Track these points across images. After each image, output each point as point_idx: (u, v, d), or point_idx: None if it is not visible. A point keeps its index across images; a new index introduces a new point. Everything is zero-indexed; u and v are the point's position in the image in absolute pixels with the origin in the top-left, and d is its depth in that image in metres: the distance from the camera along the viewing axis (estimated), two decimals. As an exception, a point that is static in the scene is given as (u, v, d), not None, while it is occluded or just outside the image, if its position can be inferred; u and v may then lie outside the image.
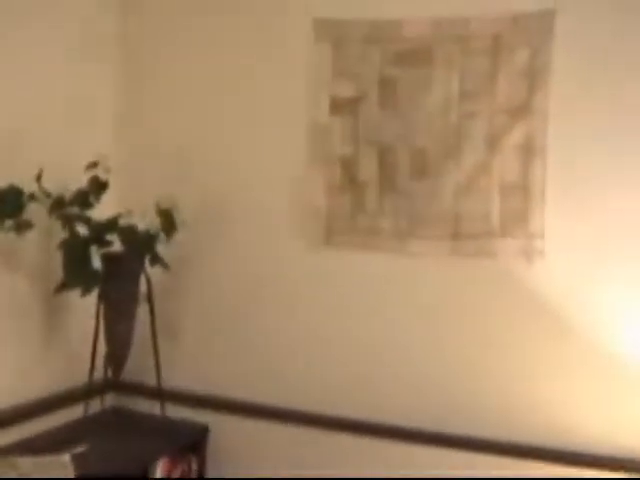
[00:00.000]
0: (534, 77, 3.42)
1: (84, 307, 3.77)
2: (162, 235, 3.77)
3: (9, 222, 3.41)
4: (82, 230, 3.62)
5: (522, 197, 3.45)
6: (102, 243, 3.67)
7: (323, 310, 3.82)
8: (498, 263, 3.50)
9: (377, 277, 3.72)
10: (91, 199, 3.65)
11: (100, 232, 3.66)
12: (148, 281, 3.82)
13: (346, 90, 3.70)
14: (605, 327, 3.36)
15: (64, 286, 3.61)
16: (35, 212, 3.48)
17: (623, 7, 3.33)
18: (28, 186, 3.43)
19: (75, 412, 3.93)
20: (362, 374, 3.78)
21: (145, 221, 3.73)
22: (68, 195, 3.60)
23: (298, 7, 3.81)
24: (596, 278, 3.38)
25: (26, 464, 3.35)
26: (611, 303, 3.35)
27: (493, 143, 3.48)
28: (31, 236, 3.54)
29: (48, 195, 3.52)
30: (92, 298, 3.68)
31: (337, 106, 3.73)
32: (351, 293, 3.77)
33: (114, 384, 4.08)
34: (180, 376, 4.11)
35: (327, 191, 3.76)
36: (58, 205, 3.57)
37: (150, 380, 4.00)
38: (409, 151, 3.59)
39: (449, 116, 3.54)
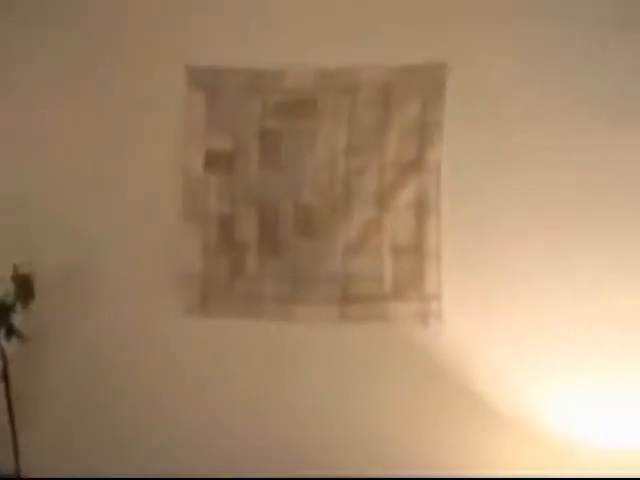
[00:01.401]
0: (426, 131, 3.28)
1: None
2: (18, 304, 3.37)
3: None
4: None
5: (416, 257, 3.28)
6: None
7: (199, 384, 3.48)
8: (392, 327, 3.32)
9: (259, 347, 3.43)
10: None
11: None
12: (4, 357, 3.42)
13: (222, 143, 3.44)
14: (500, 387, 3.27)
15: None
16: None
17: (517, 59, 3.26)
18: None
19: None
20: (241, 448, 3.49)
21: (-1, 289, 3.41)
22: None
23: (171, 53, 3.53)
24: (492, 337, 3.25)
25: None
26: (504, 363, 3.25)
27: (384, 200, 3.30)
28: None
29: None
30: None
31: (212, 161, 3.45)
32: (230, 365, 3.46)
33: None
34: (42, 464, 3.59)
35: (203, 253, 3.45)
36: None
37: (8, 468, 3.52)
38: (293, 209, 3.36)
39: (336, 171, 3.33)
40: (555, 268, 3.23)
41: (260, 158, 3.39)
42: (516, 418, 3.25)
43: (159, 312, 3.52)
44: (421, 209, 3.27)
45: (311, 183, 3.35)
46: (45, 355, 3.64)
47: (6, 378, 3.44)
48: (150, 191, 3.54)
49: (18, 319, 3.39)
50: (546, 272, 3.24)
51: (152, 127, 3.53)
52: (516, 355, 3.26)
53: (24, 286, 3.38)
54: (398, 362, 3.31)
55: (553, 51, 3.26)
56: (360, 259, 3.31)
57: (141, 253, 3.55)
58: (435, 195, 3.26)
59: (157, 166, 3.53)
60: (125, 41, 3.61)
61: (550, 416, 3.25)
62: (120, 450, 3.57)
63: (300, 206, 3.35)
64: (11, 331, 3.40)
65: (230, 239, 3.43)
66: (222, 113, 3.44)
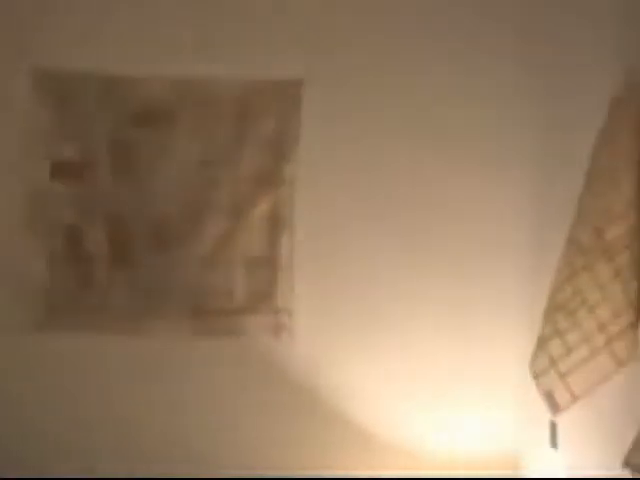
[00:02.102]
0: (282, 146, 3.29)
1: None
2: None
3: None
4: None
5: (269, 271, 3.30)
6: None
7: (42, 401, 3.32)
8: (244, 341, 3.31)
9: (107, 362, 3.31)
10: None
11: None
12: None
13: (71, 153, 3.30)
14: (351, 399, 3.37)
15: None
16: None
17: (373, 75, 3.31)
18: None
19: None
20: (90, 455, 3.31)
21: None
22: None
23: (17, 54, 3.30)
24: (343, 349, 3.31)
25: None
26: (356, 376, 3.33)
27: (238, 214, 3.29)
28: None
29: None
30: None
31: (60, 170, 3.31)
32: (76, 380, 3.31)
33: None
34: None
35: (48, 264, 3.30)
36: None
37: None
38: (146, 221, 3.28)
39: (191, 184, 3.28)
40: (407, 280, 3.32)
41: (112, 169, 3.29)
42: (363, 424, 3.33)
43: (3, 327, 3.31)
44: (275, 223, 3.29)
45: (165, 195, 3.28)
46: None
47: None
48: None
49: None
50: (398, 286, 3.32)
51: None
52: (364, 365, 3.32)
53: None
54: (250, 375, 3.30)
55: (408, 67, 3.32)
56: (213, 272, 3.29)
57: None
58: (289, 209, 3.29)
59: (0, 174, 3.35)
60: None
61: (395, 422, 3.35)
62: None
63: (153, 218, 3.28)
64: None
65: (78, 251, 3.31)
66: (71, 120, 3.30)
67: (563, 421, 2.48)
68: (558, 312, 2.45)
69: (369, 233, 3.31)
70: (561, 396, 2.42)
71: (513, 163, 3.28)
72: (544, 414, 2.52)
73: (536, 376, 2.51)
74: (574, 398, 2.40)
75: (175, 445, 3.32)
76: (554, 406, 2.45)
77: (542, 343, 2.50)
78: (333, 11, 3.29)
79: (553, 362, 2.45)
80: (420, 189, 3.31)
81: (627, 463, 1.93)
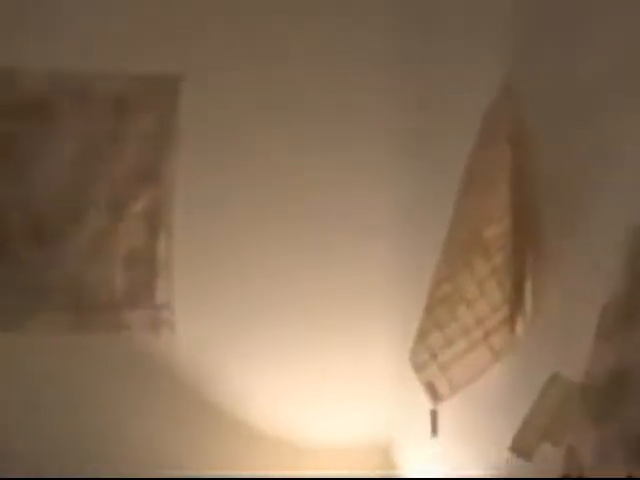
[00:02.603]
0: (161, 143, 3.29)
1: None
2: None
3: None
4: None
5: (148, 266, 3.30)
6: None
7: None
8: (126, 336, 3.30)
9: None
10: None
11: None
12: None
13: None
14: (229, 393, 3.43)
15: None
16: None
17: (253, 71, 3.32)
18: None
19: None
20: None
21: None
22: None
23: None
24: (223, 344, 3.36)
25: None
26: (239, 372, 3.39)
27: (117, 210, 3.27)
28: None
29: None
30: None
31: None
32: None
33: None
34: None
35: None
36: None
37: None
38: (24, 216, 3.21)
39: (70, 179, 3.24)
40: (286, 276, 3.39)
41: (-13, 162, 3.29)
42: (240, 418, 3.40)
43: None
44: (154, 218, 3.30)
45: (43, 190, 3.23)
46: None
47: None
48: None
49: None
50: (277, 281, 3.39)
51: None
52: (244, 359, 3.39)
53: None
54: (131, 371, 3.30)
55: (287, 62, 3.35)
56: (93, 268, 3.27)
57: None
58: (168, 206, 3.30)
59: None
60: None
61: (277, 418, 3.43)
62: None
63: (31, 213, 3.22)
64: None
65: (-49, 247, 3.30)
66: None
67: (442, 411, 2.62)
68: (438, 306, 2.57)
69: (249, 227, 3.34)
70: (442, 387, 2.56)
71: (389, 166, 3.36)
72: (422, 406, 2.66)
73: (417, 368, 2.64)
74: (454, 389, 2.55)
75: (53, 443, 3.27)
76: (435, 396, 2.58)
77: (422, 336, 2.62)
78: (212, 7, 3.30)
79: (433, 354, 2.58)
80: (300, 183, 3.36)
81: (513, 448, 2.08)
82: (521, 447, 2.03)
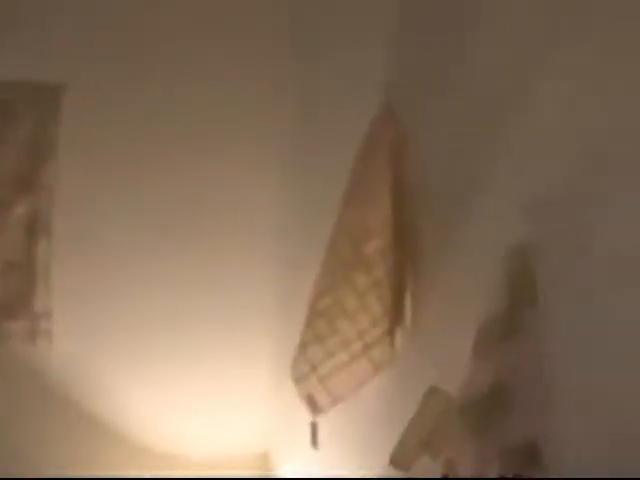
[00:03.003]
0: (39, 150, 3.24)
1: None
2: None
3: None
4: None
5: (26, 275, 3.24)
6: None
7: None
8: (1, 347, 3.24)
9: None
10: None
11: None
12: None
13: None
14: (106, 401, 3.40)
15: None
16: None
17: (131, 80, 3.31)
18: None
19: None
20: None
21: None
22: None
23: None
24: (105, 358, 3.32)
25: None
26: (118, 383, 3.36)
27: (-6, 217, 3.25)
28: None
29: None
30: None
31: None
32: None
33: None
34: None
35: None
36: None
37: None
38: None
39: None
40: (167, 286, 3.37)
41: None
42: (125, 433, 3.38)
43: None
44: (32, 226, 3.24)
45: None
46: None
47: None
48: None
49: None
50: (158, 290, 3.37)
51: None
52: (125, 372, 3.36)
53: None
54: (7, 381, 3.23)
55: (170, 72, 3.34)
56: (-31, 276, 3.24)
57: None
58: (47, 213, 3.25)
59: None
60: None
61: (157, 430, 3.41)
62: None
63: None
64: None
65: None
66: None
67: (323, 424, 2.63)
68: (318, 319, 2.59)
69: (130, 236, 3.32)
70: (321, 399, 2.57)
71: (274, 179, 3.37)
72: (303, 418, 2.68)
73: (297, 380, 2.65)
74: (334, 401, 2.56)
75: None
76: (315, 408, 2.59)
77: (302, 349, 2.63)
78: (99, 19, 3.27)
79: (313, 367, 2.59)
80: (181, 187, 3.35)
81: (392, 461, 2.11)
82: (400, 460, 2.06)
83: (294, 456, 3.26)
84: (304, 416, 2.68)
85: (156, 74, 3.31)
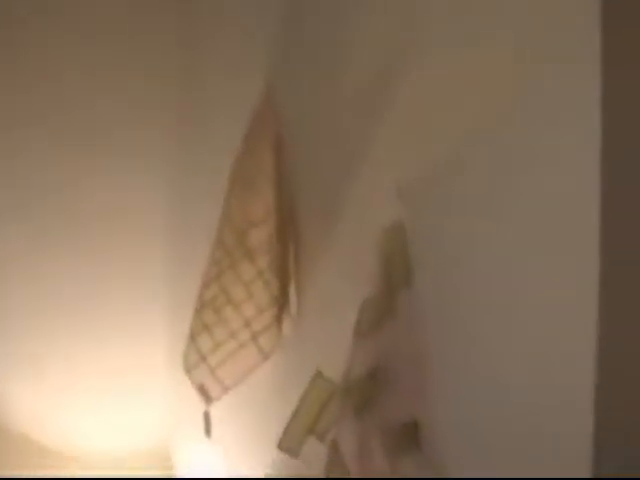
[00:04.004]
0: None
1: None
2: None
3: None
4: None
5: None
6: None
7: None
8: None
9: None
10: None
11: None
12: None
13: None
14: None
15: None
16: None
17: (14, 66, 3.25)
18: None
19: None
20: None
21: None
22: None
23: None
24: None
25: None
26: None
27: None
28: None
29: None
30: None
31: None
32: None
33: None
34: None
35: None
36: None
37: None
38: None
39: None
40: (52, 274, 3.31)
41: None
42: (8, 426, 3.33)
43: None
44: None
45: None
46: None
47: None
48: None
49: None
50: (42, 278, 3.30)
51: None
52: (9, 362, 3.30)
53: None
54: None
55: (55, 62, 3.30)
56: None
57: None
58: None
59: None
60: None
61: (43, 421, 3.36)
62: None
63: None
64: None
65: None
66: None
67: (217, 411, 2.65)
68: (206, 309, 2.61)
69: (10, 224, 3.26)
70: (213, 388, 2.60)
71: (155, 169, 3.35)
72: (197, 407, 2.69)
73: (188, 370, 2.65)
74: (225, 389, 2.58)
75: None
76: (207, 398, 2.61)
77: (192, 339, 2.64)
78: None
79: (203, 357, 2.61)
80: (64, 182, 3.30)
81: (280, 447, 2.14)
82: (287, 445, 2.10)
83: (193, 446, 3.28)
84: (199, 406, 2.72)
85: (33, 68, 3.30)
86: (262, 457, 2.68)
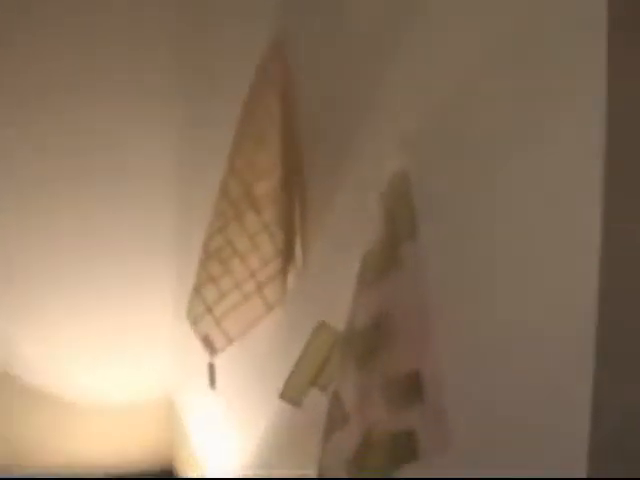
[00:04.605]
0: None
1: None
2: None
3: None
4: None
5: None
6: None
7: None
8: None
9: None
10: None
11: None
12: None
13: None
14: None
15: None
16: None
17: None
18: None
19: None
20: None
21: None
22: None
23: None
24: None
25: None
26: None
27: None
28: None
29: None
30: None
31: None
32: None
33: None
34: None
35: None
36: None
37: None
38: None
39: None
40: (56, 224, 3.34)
41: None
42: (14, 376, 3.35)
43: None
44: None
45: None
46: None
47: None
48: None
49: None
50: (47, 227, 3.33)
51: None
52: (13, 311, 3.33)
53: None
54: None
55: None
56: None
57: None
58: None
59: None
60: None
61: (52, 376, 3.40)
62: None
63: None
64: None
65: None
66: None
67: (221, 363, 2.66)
68: (211, 260, 2.61)
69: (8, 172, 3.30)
70: (217, 339, 2.61)
71: (163, 119, 3.36)
72: (201, 358, 2.71)
73: (193, 322, 2.67)
74: (229, 340, 2.60)
75: None
76: (211, 349, 2.63)
77: (197, 290, 2.65)
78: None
79: (208, 307, 2.62)
80: (68, 122, 3.32)
81: (282, 396, 2.14)
82: (290, 394, 2.11)
83: (197, 399, 3.30)
84: (204, 357, 2.73)
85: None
86: (265, 409, 2.72)
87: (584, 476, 1.40)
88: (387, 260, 1.88)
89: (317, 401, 2.12)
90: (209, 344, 2.63)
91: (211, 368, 2.67)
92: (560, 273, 1.49)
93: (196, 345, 2.70)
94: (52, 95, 3.30)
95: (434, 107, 1.82)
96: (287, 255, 2.48)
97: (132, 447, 3.57)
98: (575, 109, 1.42)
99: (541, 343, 1.52)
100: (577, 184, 1.42)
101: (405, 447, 1.85)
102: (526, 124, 1.55)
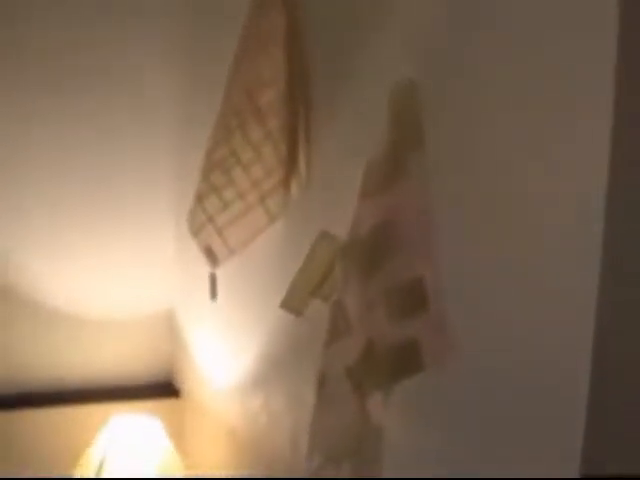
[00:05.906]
0: None
1: None
2: None
3: None
4: None
5: None
6: None
7: None
8: None
9: None
10: None
11: None
12: None
13: None
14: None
15: None
16: None
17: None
18: None
19: None
20: None
21: None
22: None
23: None
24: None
25: None
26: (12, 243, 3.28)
27: None
28: None
29: None
30: None
31: None
32: None
33: None
34: None
35: None
36: None
37: None
38: None
39: None
40: (60, 149, 3.28)
41: None
42: (19, 292, 3.34)
43: None
44: None
45: None
46: None
47: None
48: None
49: None
50: (50, 153, 3.28)
51: None
52: (18, 228, 3.29)
53: None
54: None
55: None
56: None
57: None
58: None
59: None
60: None
61: (54, 289, 3.37)
62: None
63: None
64: None
65: None
66: None
67: (222, 275, 2.66)
68: (214, 170, 2.58)
69: (19, 102, 3.22)
70: (219, 250, 2.59)
71: (164, 40, 3.30)
72: (203, 270, 2.70)
73: (195, 232, 2.65)
74: (231, 251, 2.58)
75: None
76: (213, 260, 2.62)
77: (199, 200, 2.63)
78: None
79: (210, 218, 2.60)
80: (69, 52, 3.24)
81: (284, 305, 2.14)
82: (291, 304, 2.11)
83: (196, 310, 3.31)
84: (205, 269, 2.73)
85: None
86: (266, 321, 2.73)
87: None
88: (392, 169, 1.86)
89: (319, 311, 2.12)
90: (210, 254, 2.62)
91: (212, 278, 2.66)
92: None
93: (198, 258, 2.71)
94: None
95: (442, 12, 1.79)
96: (290, 165, 2.45)
97: (133, 360, 3.60)
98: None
99: (544, 256, 1.53)
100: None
101: (409, 358, 1.86)
102: (539, 39, 1.53)
